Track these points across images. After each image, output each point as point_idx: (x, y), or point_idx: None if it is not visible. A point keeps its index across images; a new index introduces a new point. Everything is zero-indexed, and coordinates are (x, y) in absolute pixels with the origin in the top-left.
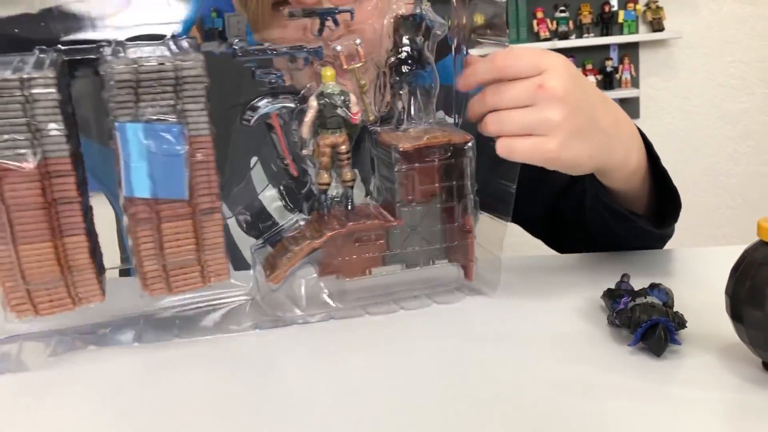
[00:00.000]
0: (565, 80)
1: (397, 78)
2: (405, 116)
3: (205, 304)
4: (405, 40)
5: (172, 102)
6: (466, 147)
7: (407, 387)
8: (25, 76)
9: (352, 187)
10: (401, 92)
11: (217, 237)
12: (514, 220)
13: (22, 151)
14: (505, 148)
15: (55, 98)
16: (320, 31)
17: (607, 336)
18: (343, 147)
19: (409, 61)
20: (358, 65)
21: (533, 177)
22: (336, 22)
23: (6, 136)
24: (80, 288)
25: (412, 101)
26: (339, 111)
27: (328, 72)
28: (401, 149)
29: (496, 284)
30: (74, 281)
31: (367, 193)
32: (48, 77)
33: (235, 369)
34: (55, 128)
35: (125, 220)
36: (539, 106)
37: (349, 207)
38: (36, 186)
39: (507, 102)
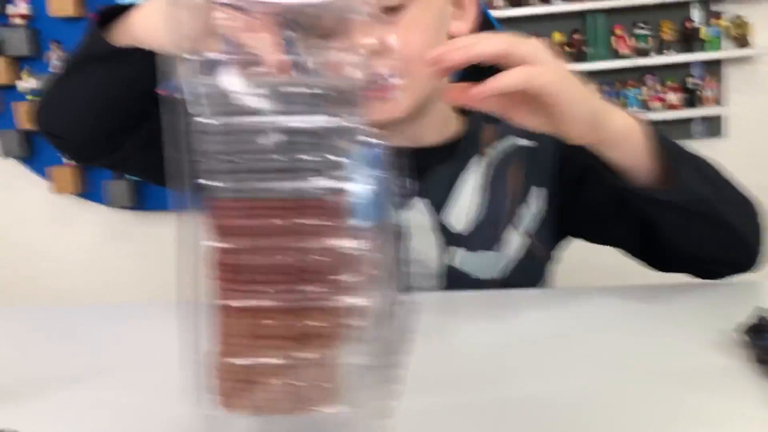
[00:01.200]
0: None
1: None
2: None
3: None
4: None
5: None
6: None
7: (512, 415)
8: None
9: None
10: None
11: None
12: (608, 244)
13: None
14: (524, 74)
15: None
16: None
17: (754, 372)
18: None
19: None
20: None
21: (616, 199)
22: None
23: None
24: None
25: None
26: None
27: None
28: None
29: None
30: None
31: None
32: None
33: None
34: None
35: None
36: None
37: None
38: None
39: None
